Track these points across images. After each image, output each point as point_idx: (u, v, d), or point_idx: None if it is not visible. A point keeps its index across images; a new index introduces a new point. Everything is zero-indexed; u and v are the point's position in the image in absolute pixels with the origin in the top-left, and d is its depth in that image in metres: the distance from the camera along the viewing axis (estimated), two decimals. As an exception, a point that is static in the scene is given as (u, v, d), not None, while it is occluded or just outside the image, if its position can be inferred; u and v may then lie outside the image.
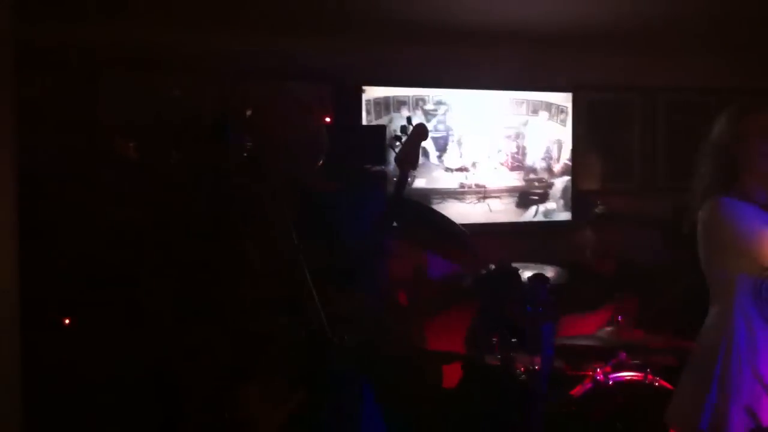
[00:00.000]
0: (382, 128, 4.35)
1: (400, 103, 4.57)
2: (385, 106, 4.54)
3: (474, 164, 4.79)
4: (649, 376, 3.73)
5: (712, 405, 2.75)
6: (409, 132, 2.96)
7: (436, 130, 4.69)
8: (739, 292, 2.76)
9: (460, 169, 4.76)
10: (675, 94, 5.27)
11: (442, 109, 4.70)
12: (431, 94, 4.66)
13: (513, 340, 3.73)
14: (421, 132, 2.99)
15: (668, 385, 3.70)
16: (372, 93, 4.49)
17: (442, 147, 4.71)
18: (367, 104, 4.45)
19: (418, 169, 4.57)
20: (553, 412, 3.52)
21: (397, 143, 2.92)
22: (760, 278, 2.72)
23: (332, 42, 4.28)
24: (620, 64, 5.04)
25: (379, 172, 3.92)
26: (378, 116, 4.50)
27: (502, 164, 4.84)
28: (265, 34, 4.16)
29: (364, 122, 4.42)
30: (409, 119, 3.00)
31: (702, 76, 5.25)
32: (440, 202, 4.65)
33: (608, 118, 5.13)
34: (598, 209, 4.68)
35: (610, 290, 4.32)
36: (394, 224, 2.98)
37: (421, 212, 3.41)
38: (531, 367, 3.65)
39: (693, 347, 2.93)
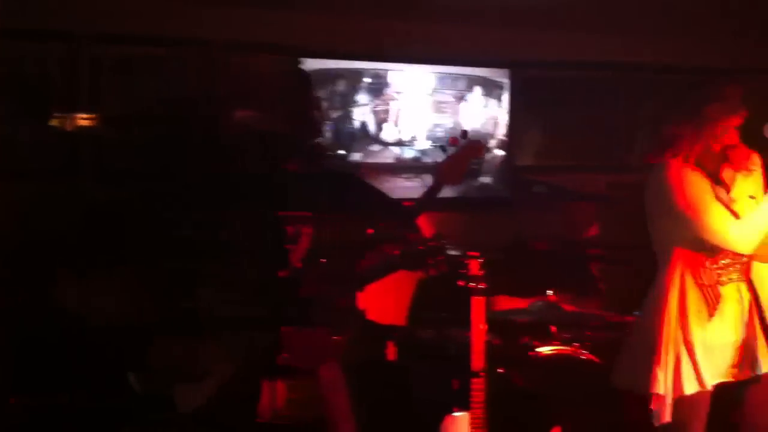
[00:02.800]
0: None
1: (338, 76, 4.53)
2: (322, 78, 4.49)
3: (411, 139, 4.78)
4: (578, 350, 3.80)
5: (656, 367, 2.82)
6: (462, 144, 2.83)
7: (374, 104, 4.66)
8: (679, 259, 2.83)
9: (397, 144, 4.75)
10: (609, 70, 5.31)
11: (380, 83, 4.67)
12: (369, 67, 4.62)
13: (444, 314, 3.77)
14: (475, 149, 2.85)
15: (595, 359, 3.78)
16: (310, 65, 4.43)
17: (379, 121, 4.69)
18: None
19: (354, 143, 4.59)
20: (486, 386, 3.56)
21: (444, 153, 2.79)
22: (699, 252, 2.78)
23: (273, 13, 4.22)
24: (558, 40, 5.06)
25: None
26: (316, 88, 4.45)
27: (438, 140, 4.84)
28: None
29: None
30: (464, 133, 2.83)
31: (637, 53, 5.31)
32: (377, 177, 4.63)
33: (544, 95, 5.16)
34: (535, 186, 4.73)
35: (546, 267, 4.39)
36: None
37: (363, 187, 3.39)
38: (464, 342, 3.68)
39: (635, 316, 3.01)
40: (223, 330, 2.75)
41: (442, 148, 2.83)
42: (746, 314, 2.88)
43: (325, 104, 4.48)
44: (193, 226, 2.88)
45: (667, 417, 2.80)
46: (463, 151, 2.86)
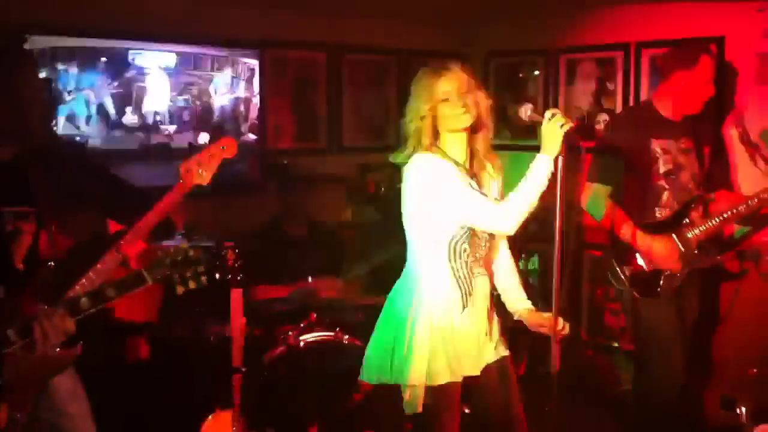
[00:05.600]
0: (47, 81, 3.88)
1: (71, 55, 4.12)
2: (51, 57, 4.07)
3: (156, 123, 4.48)
4: (340, 335, 3.75)
5: (399, 360, 2.80)
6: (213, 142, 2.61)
7: (114, 87, 4.31)
8: (432, 250, 2.82)
9: (141, 129, 4.43)
10: (360, 53, 5.33)
11: (120, 63, 4.32)
12: (106, 45, 4.25)
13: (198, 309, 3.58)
14: (228, 147, 2.61)
15: (358, 342, 3.75)
16: (36, 43, 3.99)
17: (120, 104, 4.34)
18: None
19: (92, 127, 4.21)
20: (248, 379, 3.41)
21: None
22: (453, 238, 2.78)
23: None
24: (308, 23, 4.98)
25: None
26: (45, 69, 4.03)
27: (185, 122, 4.58)
28: None
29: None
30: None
31: (385, 37, 5.37)
32: (120, 165, 4.29)
33: (296, 77, 5.06)
34: (288, 171, 4.62)
35: (302, 253, 4.31)
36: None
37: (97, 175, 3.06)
38: (222, 335, 3.51)
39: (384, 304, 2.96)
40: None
41: (191, 146, 2.62)
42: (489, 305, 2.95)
43: (56, 86, 4.07)
44: None
45: (419, 407, 2.81)
46: (213, 149, 2.65)
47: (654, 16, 4.73)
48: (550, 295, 2.78)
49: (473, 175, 2.87)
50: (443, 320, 2.81)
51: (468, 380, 2.87)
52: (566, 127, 2.62)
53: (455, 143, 2.84)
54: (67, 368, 2.58)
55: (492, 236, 2.90)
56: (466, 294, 2.82)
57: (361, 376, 2.98)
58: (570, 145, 2.62)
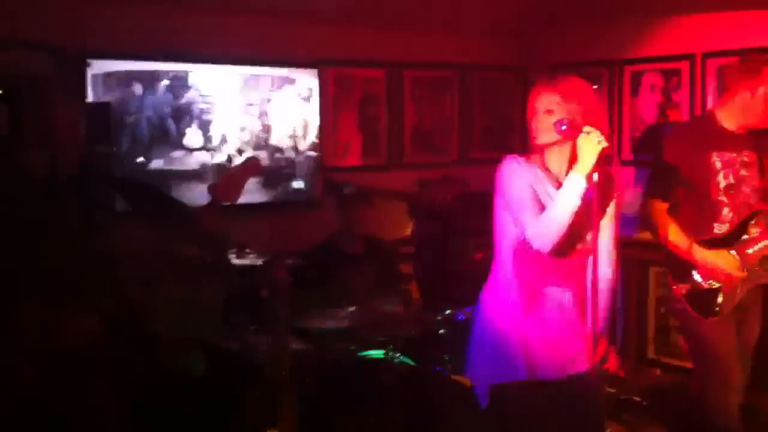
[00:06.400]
0: (107, 105, 4.01)
1: (132, 78, 4.25)
2: (117, 80, 4.21)
3: (217, 144, 4.57)
4: (392, 353, 3.74)
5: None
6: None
7: (175, 109, 4.42)
8: (506, 254, 2.82)
9: (202, 149, 4.53)
10: (420, 69, 5.33)
11: (180, 85, 4.43)
12: (168, 68, 4.37)
13: (253, 325, 3.62)
14: (254, 166, 2.73)
15: (410, 360, 3.74)
16: (100, 67, 4.13)
17: (182, 126, 4.45)
18: (93, 79, 4.09)
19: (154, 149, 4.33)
20: (301, 396, 3.43)
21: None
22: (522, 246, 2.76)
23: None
24: (366, 39, 5.02)
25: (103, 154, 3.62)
26: (107, 93, 4.16)
27: (246, 143, 4.66)
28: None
29: (90, 99, 4.06)
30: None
31: (444, 51, 5.37)
32: (180, 184, 4.40)
33: (356, 95, 5.10)
34: (347, 188, 4.64)
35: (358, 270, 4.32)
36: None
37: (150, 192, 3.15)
38: (271, 351, 3.53)
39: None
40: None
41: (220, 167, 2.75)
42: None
43: (120, 109, 4.20)
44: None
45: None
46: (241, 168, 2.76)
47: (720, 25, 4.60)
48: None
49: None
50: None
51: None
52: (602, 145, 2.56)
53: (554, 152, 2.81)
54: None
55: None
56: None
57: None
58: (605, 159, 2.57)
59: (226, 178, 2.74)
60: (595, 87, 5.17)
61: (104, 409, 2.73)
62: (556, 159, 2.80)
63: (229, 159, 4.46)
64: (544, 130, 2.74)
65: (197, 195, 4.25)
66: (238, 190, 2.74)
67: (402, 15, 4.95)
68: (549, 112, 2.74)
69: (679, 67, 4.81)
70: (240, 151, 4.44)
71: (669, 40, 4.87)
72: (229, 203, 2.73)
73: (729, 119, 3.61)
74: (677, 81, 4.84)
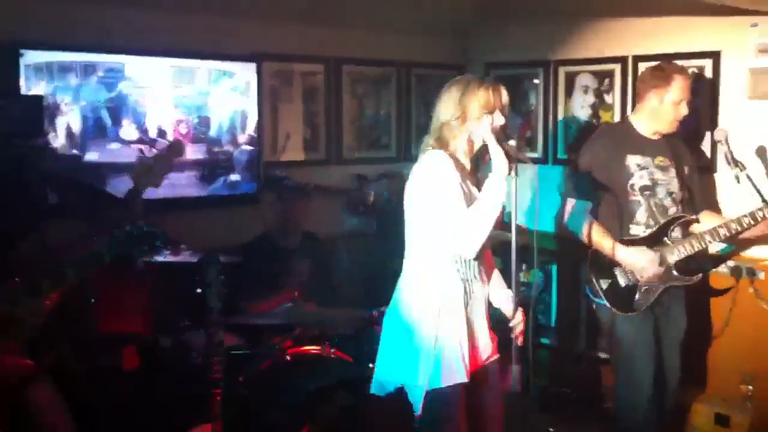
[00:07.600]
0: (39, 98, 3.94)
1: (66, 69, 4.19)
2: (50, 72, 4.14)
3: (153, 136, 4.53)
4: (327, 349, 3.77)
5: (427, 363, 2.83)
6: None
7: (110, 101, 4.36)
8: (438, 247, 2.84)
9: (138, 142, 4.49)
10: (357, 65, 5.35)
11: (116, 78, 4.38)
12: (102, 60, 4.32)
13: (186, 323, 3.62)
14: (177, 149, 2.68)
15: (346, 356, 3.77)
16: (33, 58, 4.06)
17: (117, 118, 4.40)
18: (26, 70, 4.02)
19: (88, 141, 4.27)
20: (233, 393, 3.45)
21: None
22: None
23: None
24: (306, 35, 5.02)
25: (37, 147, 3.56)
26: (41, 84, 4.09)
27: (183, 136, 4.63)
28: None
29: (23, 91, 3.98)
30: None
31: (384, 48, 5.40)
32: (117, 177, 4.35)
33: (295, 90, 5.10)
34: (285, 181, 4.65)
35: (292, 264, 4.34)
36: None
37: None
38: (207, 349, 3.54)
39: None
40: None
41: (141, 152, 2.75)
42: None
43: (53, 101, 4.13)
44: None
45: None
46: (166, 150, 2.76)
47: (651, 29, 4.72)
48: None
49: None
50: (453, 320, 2.83)
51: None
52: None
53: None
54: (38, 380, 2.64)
55: None
56: (468, 293, 2.85)
57: (372, 389, 2.99)
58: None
59: (149, 161, 2.73)
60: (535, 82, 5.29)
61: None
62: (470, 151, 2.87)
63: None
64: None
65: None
66: (163, 172, 2.74)
67: (342, 12, 4.96)
68: None
69: (611, 69, 4.93)
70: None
71: (602, 42, 4.98)
72: (152, 186, 2.71)
73: (642, 125, 3.79)
74: (610, 83, 4.95)
